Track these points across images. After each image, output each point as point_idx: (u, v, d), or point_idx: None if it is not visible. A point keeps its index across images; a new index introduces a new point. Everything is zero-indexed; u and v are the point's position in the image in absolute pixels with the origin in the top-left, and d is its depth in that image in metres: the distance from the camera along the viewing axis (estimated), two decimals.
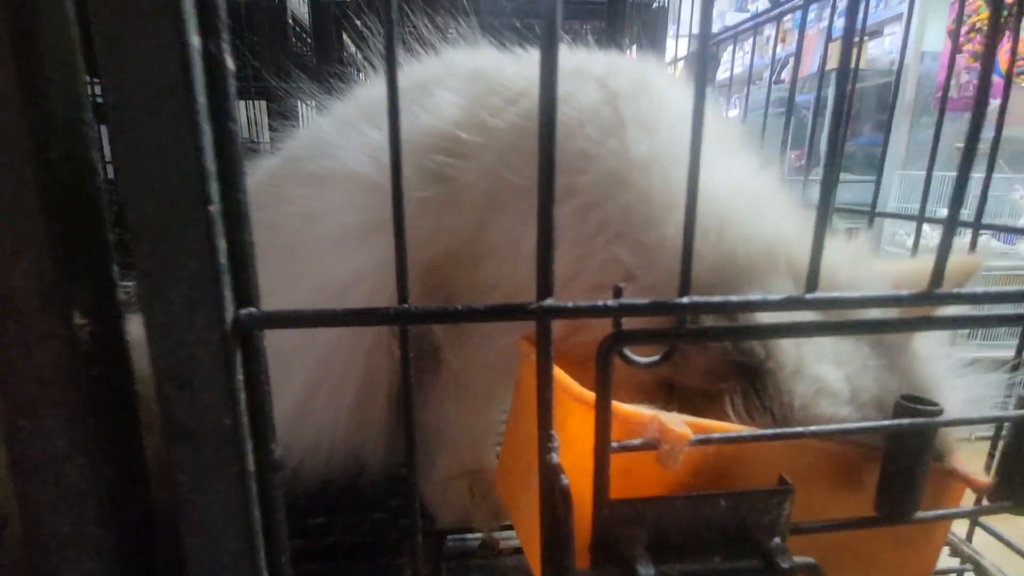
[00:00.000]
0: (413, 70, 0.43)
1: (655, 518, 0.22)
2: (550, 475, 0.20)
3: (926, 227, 0.50)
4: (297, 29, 1.28)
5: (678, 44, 1.29)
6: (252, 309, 0.18)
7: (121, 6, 0.15)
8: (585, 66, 0.36)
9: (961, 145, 0.21)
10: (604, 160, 0.32)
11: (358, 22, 1.27)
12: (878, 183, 0.61)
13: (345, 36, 1.33)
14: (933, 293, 0.21)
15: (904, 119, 3.07)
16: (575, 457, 0.22)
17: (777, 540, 0.22)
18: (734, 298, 0.20)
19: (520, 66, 0.39)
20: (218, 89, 0.17)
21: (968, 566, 0.37)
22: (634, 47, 1.32)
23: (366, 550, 0.39)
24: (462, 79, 0.38)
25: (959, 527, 0.41)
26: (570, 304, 0.19)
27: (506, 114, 0.35)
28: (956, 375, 0.28)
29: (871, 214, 0.54)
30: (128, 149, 0.16)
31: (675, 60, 1.18)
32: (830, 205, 0.21)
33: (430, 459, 0.42)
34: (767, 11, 0.67)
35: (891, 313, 0.23)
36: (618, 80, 0.35)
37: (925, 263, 0.28)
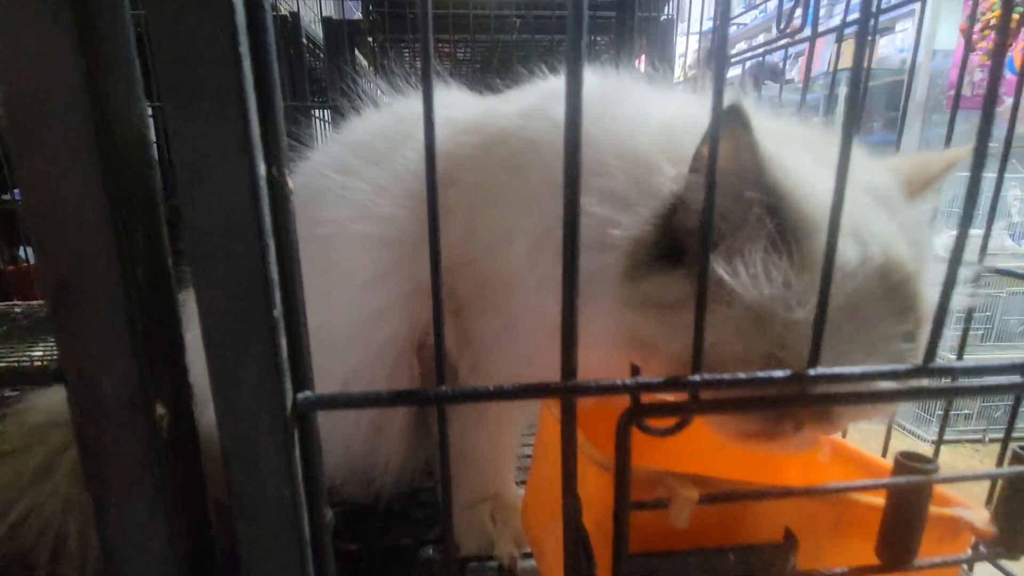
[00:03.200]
0: (396, 114, 0.46)
1: (669, 571, 0.24)
2: (576, 536, 0.22)
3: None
4: (311, 46, 1.30)
5: (688, 41, 1.30)
6: (308, 393, 0.21)
7: (197, 139, 0.17)
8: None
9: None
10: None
11: (370, 39, 1.30)
12: None
13: (357, 52, 1.35)
14: (924, 367, 0.22)
15: (916, 117, 3.04)
16: (592, 513, 0.24)
17: None
18: (741, 375, 0.22)
19: (516, 107, 0.41)
20: (279, 207, 0.19)
21: None
22: (642, 57, 1.33)
23: (387, 570, 0.42)
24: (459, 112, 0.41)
25: None
26: (592, 384, 0.21)
27: (474, 143, 0.38)
28: None
29: None
30: (204, 270, 0.18)
31: (684, 72, 1.19)
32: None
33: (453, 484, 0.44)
34: (777, 39, 0.68)
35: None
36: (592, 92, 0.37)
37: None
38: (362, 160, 0.42)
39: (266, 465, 0.20)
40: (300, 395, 0.20)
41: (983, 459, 2.79)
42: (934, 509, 0.28)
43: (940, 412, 2.83)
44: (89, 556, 0.41)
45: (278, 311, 0.19)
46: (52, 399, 0.51)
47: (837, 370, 0.23)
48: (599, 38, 1.34)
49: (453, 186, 0.38)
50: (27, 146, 0.17)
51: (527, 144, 0.36)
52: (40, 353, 0.93)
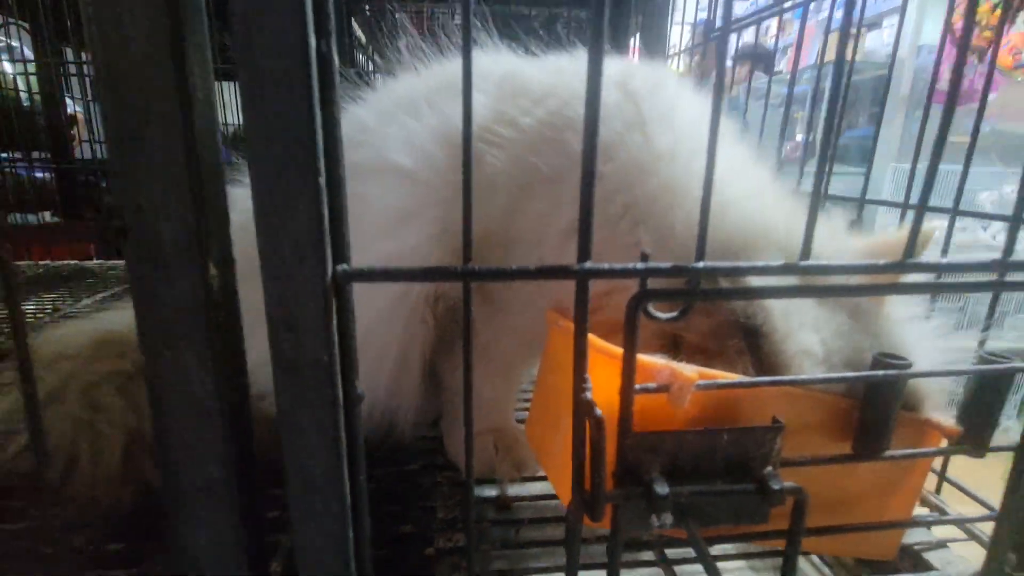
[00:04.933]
0: (444, 70, 0.47)
1: (669, 448, 0.26)
2: (585, 410, 0.24)
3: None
4: None
5: (682, 32, 1.31)
6: (346, 265, 0.22)
7: (256, 13, 0.19)
8: (610, 70, 0.40)
9: (959, 139, 0.25)
10: (629, 150, 0.35)
11: (366, 6, 1.29)
12: (868, 172, 0.64)
13: (355, 21, 1.34)
14: (906, 262, 0.25)
15: (899, 111, 3.10)
16: (600, 397, 0.26)
17: (770, 468, 0.26)
18: (742, 264, 0.24)
19: (542, 70, 0.42)
20: (327, 81, 0.20)
21: (935, 514, 0.42)
22: (636, 36, 1.34)
23: (405, 495, 0.44)
24: (492, 82, 0.42)
25: (929, 483, 0.46)
26: (606, 266, 0.23)
27: (535, 112, 0.38)
28: (928, 337, 0.33)
29: (861, 201, 0.58)
30: (258, 126, 0.19)
31: (677, 53, 1.21)
32: (823, 187, 0.25)
33: (458, 420, 0.47)
34: (769, 6, 0.70)
35: (866, 280, 0.27)
36: (635, 82, 0.38)
37: (894, 237, 0.32)
38: (403, 111, 0.43)
39: (306, 329, 0.22)
40: (339, 267, 0.22)
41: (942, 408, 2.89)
42: (904, 412, 0.31)
43: None
44: (100, 476, 0.42)
45: (323, 178, 0.20)
46: (63, 332, 0.52)
47: (823, 263, 0.25)
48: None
49: (505, 150, 0.38)
50: None
51: (565, 134, 0.37)
52: (32, 308, 0.92)
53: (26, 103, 1.60)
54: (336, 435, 0.23)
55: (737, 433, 0.26)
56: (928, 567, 0.37)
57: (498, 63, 0.45)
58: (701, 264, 0.24)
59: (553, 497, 0.43)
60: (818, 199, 0.25)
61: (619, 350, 0.25)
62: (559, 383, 0.32)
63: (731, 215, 0.33)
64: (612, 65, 0.42)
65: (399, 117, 0.42)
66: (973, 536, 0.38)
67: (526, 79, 0.41)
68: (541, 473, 0.46)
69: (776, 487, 0.25)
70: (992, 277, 0.26)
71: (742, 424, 0.28)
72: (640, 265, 0.23)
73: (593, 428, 0.24)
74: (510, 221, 0.39)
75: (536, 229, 0.38)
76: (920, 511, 0.43)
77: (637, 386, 0.25)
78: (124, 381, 0.46)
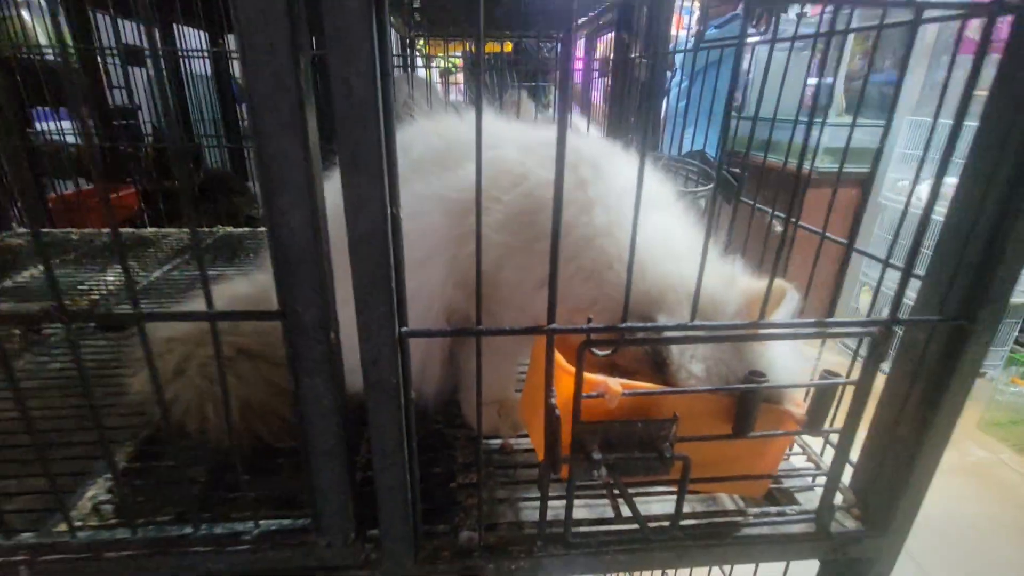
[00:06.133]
0: (460, 134, 0.59)
1: (603, 431, 0.41)
2: (550, 411, 0.40)
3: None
4: None
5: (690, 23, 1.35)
6: (406, 327, 0.37)
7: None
8: (571, 150, 0.52)
9: (981, 93, 0.33)
10: (579, 229, 0.49)
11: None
12: (886, 131, 0.54)
13: None
14: (756, 323, 0.39)
15: (922, 60, 3.00)
16: (562, 401, 0.41)
17: (667, 444, 0.42)
18: (650, 324, 0.39)
19: (519, 149, 0.55)
20: (397, 234, 0.34)
21: (819, 470, 0.58)
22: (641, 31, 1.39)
23: (434, 447, 0.61)
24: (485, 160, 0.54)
25: (817, 446, 0.61)
26: (566, 327, 0.38)
27: (513, 192, 0.52)
28: (788, 356, 0.47)
29: (872, 173, 0.54)
30: (360, 255, 0.34)
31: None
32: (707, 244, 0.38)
33: (472, 392, 0.63)
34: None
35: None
36: (582, 166, 0.51)
37: (761, 289, 0.46)
38: (415, 174, 0.55)
39: (383, 364, 0.37)
40: (402, 328, 0.37)
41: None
42: (771, 405, 0.46)
43: None
44: (224, 430, 0.59)
45: (393, 277, 0.35)
46: (169, 325, 0.68)
47: (700, 323, 0.39)
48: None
49: (491, 215, 0.51)
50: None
51: (537, 215, 0.50)
52: (112, 278, 1.09)
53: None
54: (399, 422, 0.39)
55: (647, 423, 0.42)
56: (795, 502, 0.54)
57: (491, 135, 0.56)
58: (624, 324, 0.39)
59: None
60: (705, 261, 0.39)
61: (573, 369, 0.40)
62: (538, 382, 0.47)
63: (650, 274, 0.47)
64: (572, 146, 0.54)
65: (411, 182, 0.54)
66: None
67: (507, 162, 0.54)
68: (526, 432, 0.63)
69: (668, 455, 0.41)
70: (815, 330, 0.40)
71: (653, 416, 0.43)
72: (584, 327, 0.38)
73: (553, 421, 0.39)
74: (497, 270, 0.52)
75: (517, 279, 0.52)
76: (808, 465, 0.60)
77: (584, 394, 0.41)
78: (230, 361, 0.62)
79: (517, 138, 0.57)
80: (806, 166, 0.56)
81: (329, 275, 0.35)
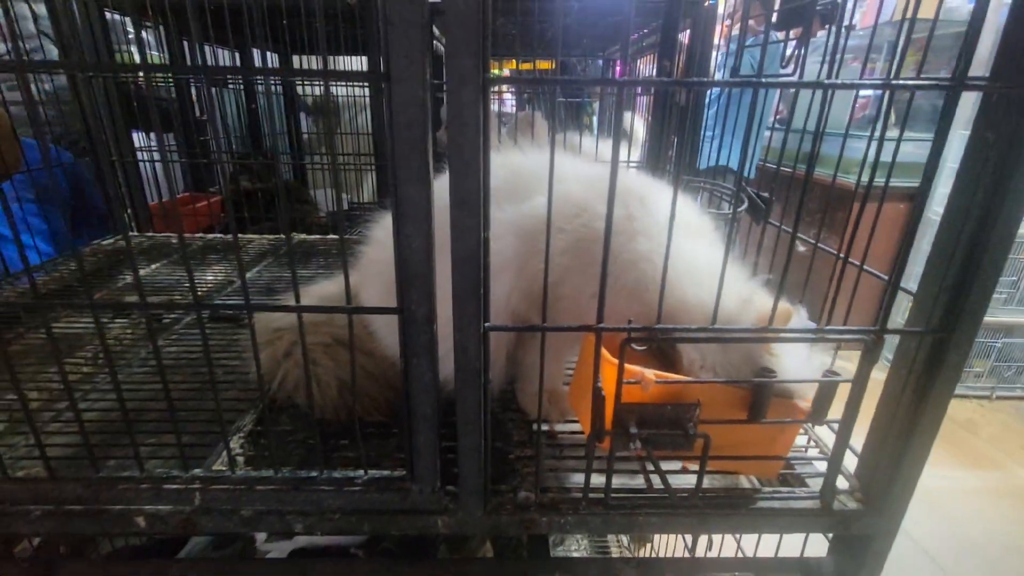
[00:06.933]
0: (524, 164, 0.71)
1: (639, 412, 0.52)
2: (597, 392, 0.51)
3: None
4: None
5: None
6: (488, 323, 0.49)
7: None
8: (623, 187, 0.63)
9: None
10: (625, 255, 0.60)
11: None
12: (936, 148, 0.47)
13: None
14: (764, 327, 0.49)
15: (978, 70, 2.95)
16: (607, 386, 0.52)
17: (691, 424, 0.52)
18: (678, 327, 0.49)
19: (579, 183, 0.65)
20: (487, 252, 0.46)
21: (815, 445, 0.66)
22: (686, 36, 1.48)
23: (496, 426, 0.72)
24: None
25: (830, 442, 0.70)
26: (611, 327, 0.49)
27: (574, 222, 0.63)
28: (797, 362, 0.56)
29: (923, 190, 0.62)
30: (459, 269, 0.46)
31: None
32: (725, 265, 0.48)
33: (527, 383, 0.75)
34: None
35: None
36: (630, 200, 0.62)
37: (775, 308, 0.55)
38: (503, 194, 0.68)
39: (472, 354, 0.49)
40: (486, 323, 0.49)
41: (985, 414, 3.00)
42: (781, 398, 0.55)
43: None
44: (328, 402, 0.72)
45: (482, 280, 0.47)
46: (274, 315, 0.82)
47: (719, 327, 0.49)
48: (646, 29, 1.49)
49: (556, 240, 0.62)
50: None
51: (593, 243, 0.61)
52: (210, 277, 1.27)
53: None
54: (479, 398, 0.51)
55: (675, 406, 0.52)
56: (805, 485, 0.62)
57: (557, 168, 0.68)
58: (657, 326, 0.49)
59: (582, 433, 0.70)
60: (722, 282, 0.49)
61: (616, 361, 0.51)
62: (586, 372, 0.58)
63: (676, 292, 0.57)
64: (625, 183, 0.65)
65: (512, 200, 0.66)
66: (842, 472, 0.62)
67: (570, 196, 0.65)
68: (573, 418, 0.73)
69: (692, 433, 0.51)
70: (813, 335, 0.50)
71: (681, 402, 0.54)
72: (626, 327, 0.49)
73: (599, 401, 0.50)
74: (558, 285, 0.64)
75: (575, 292, 0.63)
76: (813, 452, 0.68)
77: (625, 380, 0.51)
78: (326, 348, 0.75)
79: (579, 174, 0.68)
80: (845, 178, 0.65)
81: (433, 283, 0.48)
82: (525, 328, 0.52)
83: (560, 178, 0.66)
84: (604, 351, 0.53)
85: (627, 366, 0.52)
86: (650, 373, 0.52)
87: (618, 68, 2.30)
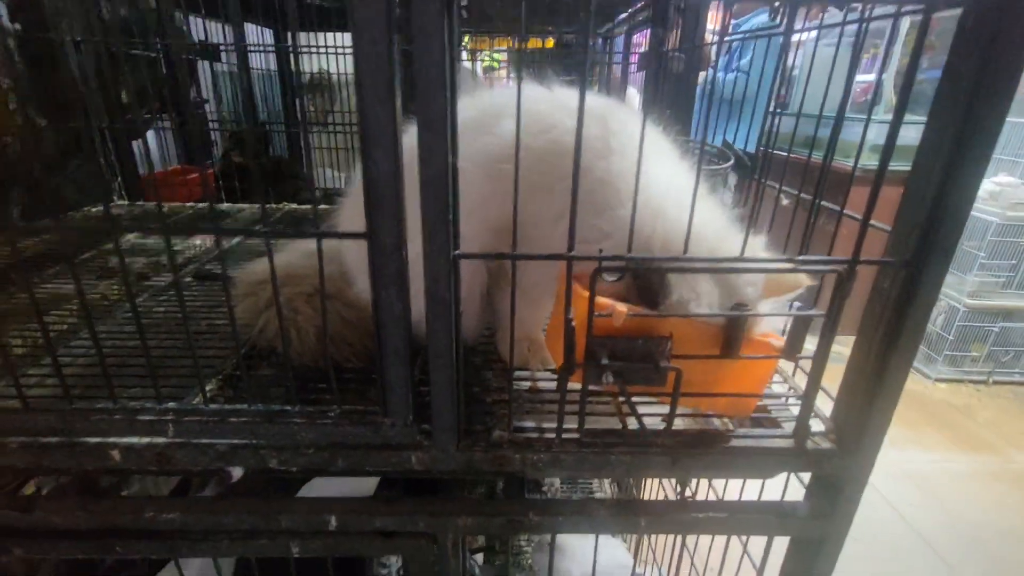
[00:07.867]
0: (493, 100, 0.70)
1: (611, 344, 0.52)
2: (568, 323, 0.51)
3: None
4: None
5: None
6: (458, 251, 0.49)
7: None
8: (596, 107, 0.62)
9: None
10: (596, 172, 0.58)
11: None
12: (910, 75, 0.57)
13: None
14: (740, 258, 0.49)
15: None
16: (579, 319, 0.52)
17: (663, 358, 0.52)
18: (651, 256, 0.49)
19: (550, 104, 0.64)
20: (455, 179, 0.46)
21: (792, 392, 0.67)
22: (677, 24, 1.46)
23: (474, 371, 0.73)
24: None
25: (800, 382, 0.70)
26: (582, 254, 0.49)
27: (540, 139, 0.61)
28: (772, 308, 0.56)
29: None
30: (428, 189, 0.45)
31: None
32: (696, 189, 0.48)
33: (504, 332, 0.75)
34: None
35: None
36: (611, 120, 0.61)
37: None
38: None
39: (442, 283, 0.49)
40: (456, 251, 0.49)
41: (982, 398, 3.00)
42: (756, 335, 0.55)
43: (947, 353, 3.00)
44: (307, 349, 0.72)
45: (451, 211, 0.46)
46: (256, 268, 0.82)
47: (693, 257, 0.49)
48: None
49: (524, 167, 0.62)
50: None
51: (560, 158, 0.59)
52: (199, 242, 1.26)
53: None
54: (451, 330, 0.51)
55: (646, 340, 0.52)
56: (778, 425, 0.63)
57: (524, 96, 0.66)
58: (630, 255, 0.49)
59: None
60: (694, 201, 0.49)
61: (587, 292, 0.50)
62: (561, 312, 0.58)
63: (661, 220, 0.56)
64: (597, 103, 0.63)
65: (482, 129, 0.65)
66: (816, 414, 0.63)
67: (539, 111, 0.62)
68: (553, 366, 0.73)
69: (663, 367, 0.51)
70: (790, 265, 0.50)
71: (653, 335, 0.54)
72: (597, 256, 0.49)
73: (570, 332, 0.50)
74: (522, 209, 0.62)
75: (537, 216, 0.61)
76: (783, 388, 0.69)
77: (596, 313, 0.51)
78: (307, 298, 0.75)
79: (551, 99, 0.67)
80: (845, 162, 0.65)
81: (403, 210, 0.47)
82: (495, 256, 0.51)
83: (531, 101, 0.65)
84: (577, 285, 0.53)
85: (599, 299, 0.51)
86: (621, 306, 0.52)
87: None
